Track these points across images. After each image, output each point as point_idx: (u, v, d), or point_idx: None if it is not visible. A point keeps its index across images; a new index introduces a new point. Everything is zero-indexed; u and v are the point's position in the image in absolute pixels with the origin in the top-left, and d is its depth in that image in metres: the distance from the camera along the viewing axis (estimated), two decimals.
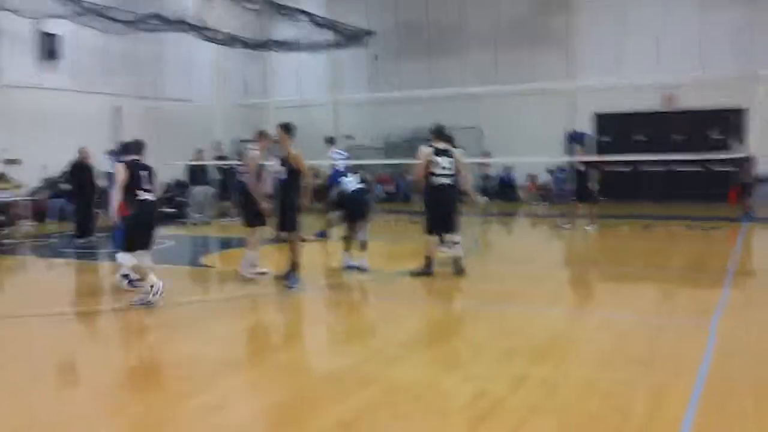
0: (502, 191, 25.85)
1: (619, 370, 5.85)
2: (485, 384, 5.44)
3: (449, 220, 10.41)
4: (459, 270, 10.39)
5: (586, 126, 24.70)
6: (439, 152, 10.27)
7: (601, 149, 23.90)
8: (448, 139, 10.52)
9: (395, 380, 5.67)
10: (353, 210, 10.97)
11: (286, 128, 9.83)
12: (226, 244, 15.76)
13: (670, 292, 9.50)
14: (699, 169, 23.01)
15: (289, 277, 9.68)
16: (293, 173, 9.67)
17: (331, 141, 15.68)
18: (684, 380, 5.50)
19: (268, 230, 10.91)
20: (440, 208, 10.36)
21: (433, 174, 10.21)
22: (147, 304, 8.40)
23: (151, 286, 8.47)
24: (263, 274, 10.43)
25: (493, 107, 23.61)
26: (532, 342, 6.78)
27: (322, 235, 14.35)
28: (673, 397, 5.15)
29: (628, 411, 4.87)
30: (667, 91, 22.92)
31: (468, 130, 23.88)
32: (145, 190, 8.86)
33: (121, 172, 8.85)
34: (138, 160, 9.09)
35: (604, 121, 24.65)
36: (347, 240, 10.97)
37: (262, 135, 10.91)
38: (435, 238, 10.49)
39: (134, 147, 9.32)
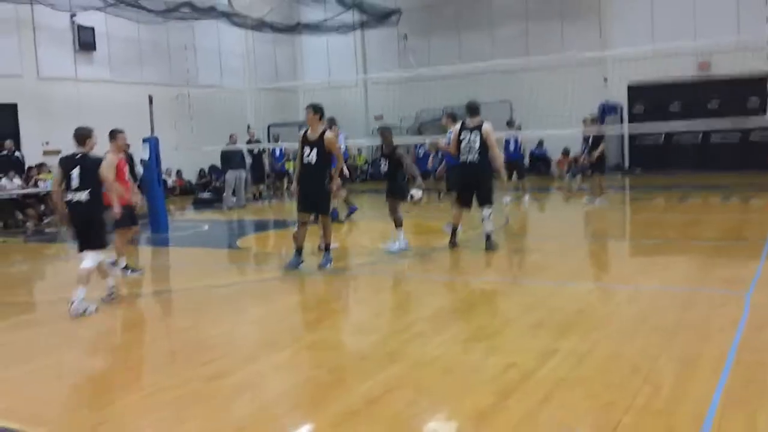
0: (534, 166, 25.77)
1: (648, 341, 5.86)
2: (513, 357, 5.51)
3: (473, 195, 10.53)
4: (490, 245, 10.47)
5: (619, 97, 24.46)
6: (465, 129, 10.43)
7: (634, 120, 23.71)
8: (475, 114, 10.53)
9: (423, 355, 5.76)
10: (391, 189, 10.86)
11: (316, 109, 9.49)
12: (260, 226, 16.02)
13: (703, 263, 9.40)
14: (736, 138, 22.67)
15: (323, 257, 9.71)
16: (325, 156, 9.39)
17: (332, 122, 15.84)
18: (714, 352, 5.48)
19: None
20: (466, 183, 10.60)
21: (460, 151, 10.45)
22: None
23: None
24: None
25: (523, 81, 23.46)
26: (560, 315, 6.82)
27: (352, 211, 14.64)
28: (702, 369, 5.14)
29: (657, 382, 4.89)
30: (703, 58, 22.53)
31: (499, 104, 23.85)
32: (75, 190, 7.99)
33: (56, 171, 8.27)
34: (76, 154, 8.34)
35: (638, 91, 24.37)
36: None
37: (330, 121, 11.58)
38: (459, 212, 10.70)
39: (75, 137, 8.46)
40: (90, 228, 8.04)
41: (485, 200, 10.51)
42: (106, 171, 8.90)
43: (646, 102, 24.23)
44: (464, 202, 10.66)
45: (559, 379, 5.02)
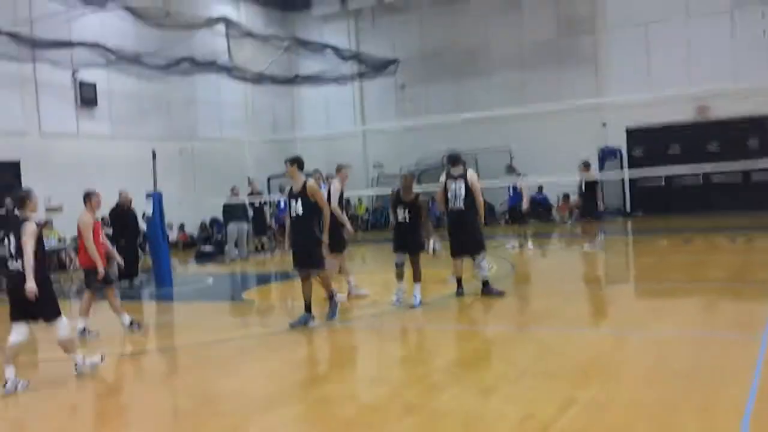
0: (535, 212, 25.75)
1: (666, 388, 5.79)
2: (530, 408, 5.44)
3: (464, 244, 10.55)
4: (488, 291, 10.53)
5: (618, 142, 24.64)
6: (450, 177, 10.56)
7: (634, 164, 23.83)
8: (458, 163, 10.63)
9: (439, 407, 5.70)
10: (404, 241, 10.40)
11: (295, 162, 9.35)
12: (264, 279, 15.97)
13: (714, 306, 9.36)
14: (738, 179, 22.72)
15: (329, 309, 9.54)
16: (310, 207, 9.17)
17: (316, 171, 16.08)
18: (734, 396, 5.43)
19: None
20: (454, 232, 10.69)
21: (447, 200, 10.59)
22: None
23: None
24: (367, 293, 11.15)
25: (521, 128, 23.67)
26: (575, 363, 6.76)
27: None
28: (723, 415, 5.09)
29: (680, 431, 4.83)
30: (700, 102, 22.76)
31: (497, 152, 24.01)
32: (11, 257, 7.27)
33: None
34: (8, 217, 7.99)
35: (636, 135, 24.55)
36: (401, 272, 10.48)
37: (339, 168, 11.49)
38: (458, 261, 10.70)
39: (13, 200, 7.84)
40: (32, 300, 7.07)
41: (476, 248, 10.56)
42: (84, 231, 9.05)
43: (646, 145, 24.40)
44: (456, 251, 10.68)
45: (580, 430, 4.95)
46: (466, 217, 10.50)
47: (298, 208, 9.18)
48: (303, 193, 9.15)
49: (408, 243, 10.30)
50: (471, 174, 10.57)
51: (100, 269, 9.43)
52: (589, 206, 15.96)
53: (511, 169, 18.15)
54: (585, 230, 16.43)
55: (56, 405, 6.86)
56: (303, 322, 9.27)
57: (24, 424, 6.41)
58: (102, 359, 7.65)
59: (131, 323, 9.90)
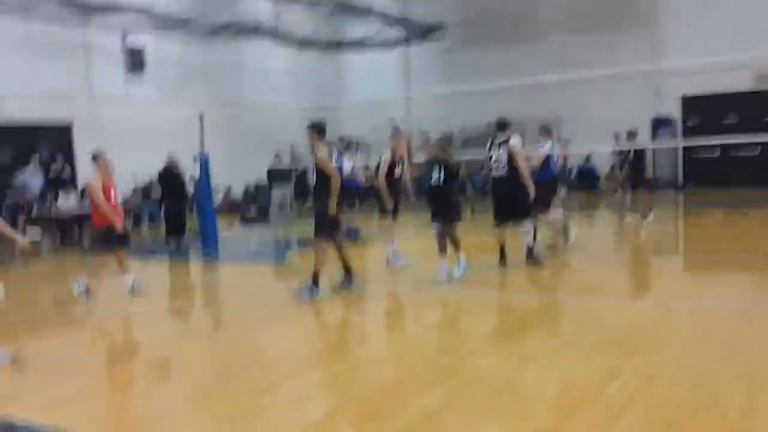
0: (583, 181, 25.44)
1: (712, 359, 5.70)
2: (574, 376, 5.40)
3: (506, 211, 10.41)
4: (532, 259, 10.42)
5: (673, 110, 24.00)
6: (494, 145, 10.40)
7: (688, 134, 23.18)
8: (504, 129, 10.43)
9: (476, 373, 5.68)
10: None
11: (315, 128, 9.02)
12: (306, 242, 16.03)
13: (764, 278, 9.20)
14: None
15: (307, 284, 8.98)
16: (322, 177, 8.89)
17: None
18: None
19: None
20: (496, 200, 10.54)
21: (490, 167, 10.48)
22: None
23: None
24: (406, 264, 10.99)
25: (570, 95, 23.17)
26: (620, 333, 6.68)
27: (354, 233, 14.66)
28: None
29: (724, 402, 4.75)
30: (760, 69, 21.99)
31: (546, 119, 23.61)
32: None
33: None
34: None
35: (692, 104, 23.82)
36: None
37: (396, 131, 11.49)
38: (500, 229, 10.54)
39: None
40: None
41: (521, 215, 10.42)
42: (92, 192, 9.37)
43: (701, 115, 23.63)
44: (499, 219, 10.51)
45: (626, 398, 4.89)
46: (508, 184, 10.31)
47: (314, 177, 9.03)
48: (315, 163, 8.95)
49: (442, 209, 9.75)
50: (514, 140, 10.31)
51: (117, 225, 9.51)
52: (639, 177, 15.69)
53: (544, 130, 17.39)
54: (638, 201, 16.13)
55: (95, 358, 7.06)
56: (308, 292, 8.93)
57: (64, 371, 6.57)
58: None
59: (133, 285, 9.77)
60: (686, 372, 5.45)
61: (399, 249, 11.20)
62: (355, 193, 15.55)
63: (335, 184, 8.81)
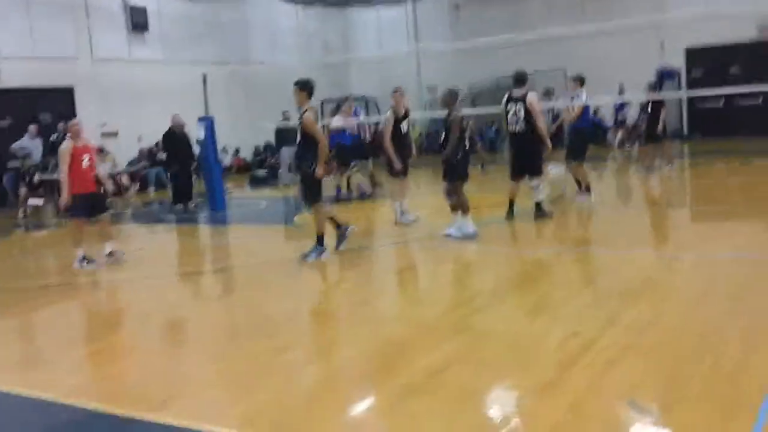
0: (590, 135, 25.25)
1: (714, 309, 5.74)
2: (575, 326, 5.44)
3: (523, 166, 10.40)
4: (541, 214, 10.42)
5: (677, 61, 23.79)
6: (511, 100, 10.30)
7: (693, 85, 23.05)
8: (521, 84, 10.37)
9: (486, 328, 5.75)
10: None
11: (302, 85, 8.63)
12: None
13: None
14: None
15: (312, 249, 8.81)
16: (306, 139, 8.58)
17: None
18: None
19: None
20: (514, 154, 10.53)
21: (507, 122, 10.39)
22: None
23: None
24: (414, 219, 10.96)
25: (579, 48, 22.92)
26: (623, 284, 6.70)
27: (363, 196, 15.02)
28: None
29: (720, 352, 4.79)
30: (763, 21, 21.72)
31: (553, 72, 23.38)
32: None
33: None
34: None
35: (696, 55, 23.64)
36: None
37: (396, 91, 11.19)
38: (515, 183, 10.53)
39: None
40: None
41: (534, 171, 10.43)
42: (59, 159, 9.17)
43: (705, 66, 23.49)
44: (516, 174, 10.53)
45: (622, 348, 4.96)
46: (525, 139, 10.29)
47: (298, 138, 8.73)
48: (300, 124, 8.62)
49: (445, 170, 9.50)
50: (531, 96, 10.27)
51: (63, 196, 9.31)
52: (654, 128, 15.52)
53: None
54: (646, 153, 16.01)
55: (102, 321, 7.12)
56: (316, 255, 8.78)
57: (74, 336, 6.64)
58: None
59: (110, 254, 9.66)
60: (688, 322, 5.46)
61: (407, 206, 11.14)
62: (352, 148, 15.44)
63: (323, 149, 8.55)
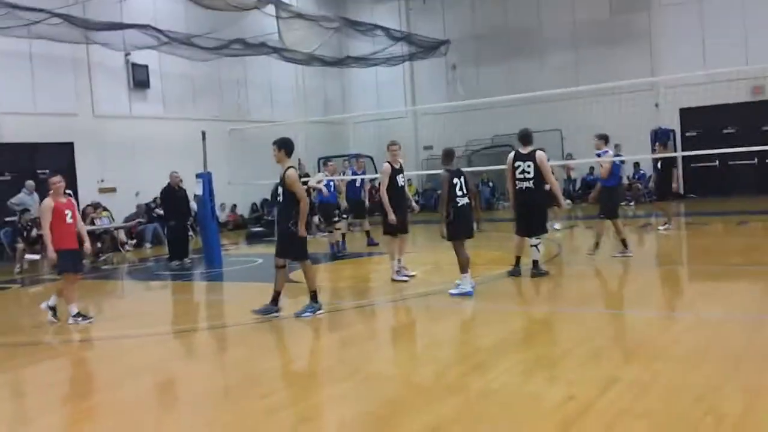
0: (587, 193, 25.48)
1: (712, 370, 5.69)
2: (573, 388, 5.40)
3: (531, 224, 10.54)
4: (537, 272, 10.48)
5: (672, 122, 24.10)
6: (519, 158, 10.42)
7: (687, 145, 23.32)
8: (528, 143, 10.56)
9: (482, 387, 5.67)
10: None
11: (280, 144, 8.74)
12: (312, 260, 15.98)
13: (767, 290, 9.14)
14: None
15: (307, 306, 8.86)
16: (288, 196, 8.64)
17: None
18: None
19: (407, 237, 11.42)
20: (521, 212, 10.65)
21: (515, 179, 10.45)
22: None
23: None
24: (412, 276, 11.00)
25: (574, 109, 23.25)
26: (620, 344, 6.69)
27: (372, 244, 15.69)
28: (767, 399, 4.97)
29: (721, 413, 4.74)
30: (756, 82, 22.14)
31: (549, 133, 23.70)
32: None
33: None
34: None
35: (690, 115, 23.98)
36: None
37: (392, 145, 11.32)
38: (521, 240, 10.65)
39: None
40: None
41: (537, 229, 10.56)
42: (40, 215, 9.16)
43: (700, 126, 23.82)
44: (521, 231, 10.66)
45: (620, 411, 4.90)
46: (533, 196, 10.43)
47: (280, 195, 8.80)
48: (283, 181, 8.66)
49: (446, 227, 9.60)
50: (540, 154, 10.43)
51: (50, 252, 9.36)
52: (665, 186, 15.73)
53: (603, 138, 17.60)
54: (661, 209, 16.22)
55: (101, 379, 7.03)
56: (266, 312, 8.83)
57: (64, 393, 6.56)
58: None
59: (77, 315, 9.58)
60: (686, 383, 5.41)
61: (404, 263, 11.17)
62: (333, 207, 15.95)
63: (304, 207, 8.54)
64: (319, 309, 8.84)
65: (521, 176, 10.38)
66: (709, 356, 6.12)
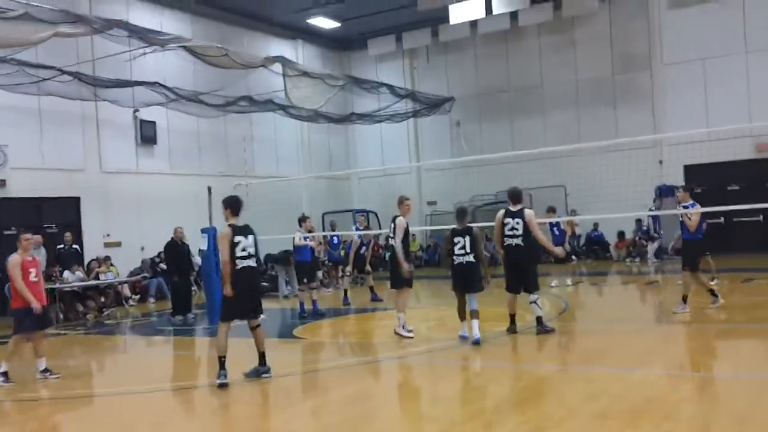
0: (592, 250, 25.48)
1: (722, 431, 5.60)
2: None
3: (520, 280, 10.60)
4: (542, 329, 10.46)
5: (676, 179, 24.13)
6: (508, 215, 10.62)
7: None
8: (518, 201, 10.73)
9: None
10: (459, 280, 10.41)
11: (227, 203, 9.02)
12: (316, 315, 15.97)
13: None
14: None
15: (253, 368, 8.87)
16: (222, 254, 8.79)
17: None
18: None
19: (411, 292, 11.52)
20: (511, 269, 10.77)
21: (504, 235, 10.65)
22: None
23: None
24: (411, 332, 10.95)
25: (577, 165, 23.42)
26: (626, 404, 6.58)
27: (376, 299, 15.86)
28: None
29: None
30: (761, 138, 22.27)
31: (553, 188, 23.81)
32: None
33: None
34: None
35: (695, 172, 23.98)
36: (460, 310, 10.51)
37: (407, 200, 11.33)
38: (513, 297, 10.71)
39: None
40: None
41: (530, 286, 10.62)
42: (10, 271, 9.29)
43: (704, 183, 23.78)
44: (512, 288, 10.75)
45: None
46: (521, 253, 10.56)
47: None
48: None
49: (465, 280, 10.39)
50: (528, 212, 10.65)
51: (34, 305, 9.38)
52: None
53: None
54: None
55: None
56: (253, 374, 8.78)
57: None
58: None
59: (45, 370, 9.68)
60: None
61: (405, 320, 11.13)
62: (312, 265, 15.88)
63: (224, 267, 8.61)
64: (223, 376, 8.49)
65: (510, 233, 10.57)
66: (719, 416, 6.04)
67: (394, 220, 11.09)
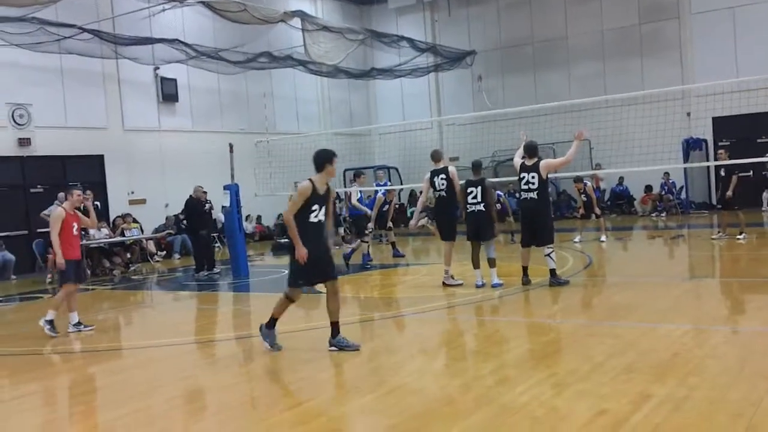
0: (617, 204, 25.26)
1: (749, 386, 5.52)
2: (604, 403, 5.27)
3: (535, 234, 10.69)
4: (555, 281, 10.57)
5: (705, 132, 23.76)
6: (524, 168, 10.71)
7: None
8: (533, 155, 10.74)
9: (509, 401, 5.56)
10: (472, 228, 10.96)
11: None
12: (339, 271, 16.00)
13: None
14: None
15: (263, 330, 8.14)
16: None
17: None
18: None
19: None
20: (525, 222, 10.91)
21: (521, 189, 10.90)
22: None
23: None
24: (460, 284, 11.18)
25: (602, 119, 23.03)
26: (653, 358, 6.51)
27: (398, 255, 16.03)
28: None
29: (761, 430, 4.60)
30: None
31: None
32: None
33: None
34: None
35: (723, 124, 23.59)
36: (474, 259, 11.04)
37: (436, 155, 11.56)
38: (526, 250, 10.86)
39: None
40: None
41: (544, 240, 10.63)
42: (51, 223, 9.47)
43: (733, 135, 23.41)
44: (525, 241, 10.83)
45: (654, 426, 4.76)
46: (538, 207, 10.56)
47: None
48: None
49: (477, 229, 10.93)
50: (542, 164, 10.59)
51: (59, 260, 9.53)
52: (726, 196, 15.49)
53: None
54: (727, 221, 15.84)
55: (131, 389, 7.04)
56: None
57: (93, 404, 6.57)
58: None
59: (78, 323, 9.87)
60: (722, 400, 5.26)
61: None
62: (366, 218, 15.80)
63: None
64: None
65: (525, 187, 10.60)
66: (746, 371, 5.97)
67: (441, 172, 11.21)
